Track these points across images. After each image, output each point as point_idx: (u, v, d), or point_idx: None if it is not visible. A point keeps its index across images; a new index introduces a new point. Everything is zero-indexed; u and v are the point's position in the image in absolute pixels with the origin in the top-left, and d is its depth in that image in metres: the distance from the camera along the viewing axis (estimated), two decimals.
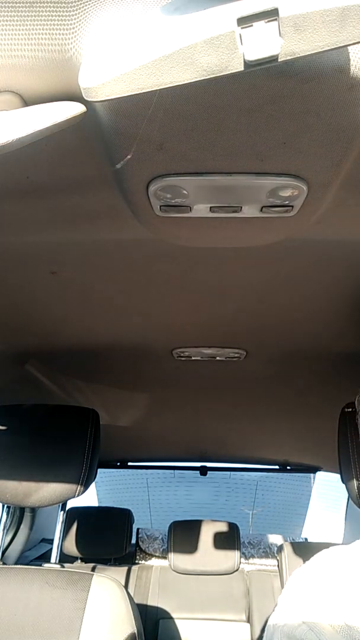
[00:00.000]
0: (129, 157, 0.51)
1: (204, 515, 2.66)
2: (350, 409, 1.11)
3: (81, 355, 1.26)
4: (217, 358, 1.23)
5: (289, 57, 0.35)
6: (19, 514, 2.29)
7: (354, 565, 0.72)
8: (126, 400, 1.69)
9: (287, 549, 2.15)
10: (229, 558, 2.39)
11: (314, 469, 2.70)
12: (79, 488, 1.25)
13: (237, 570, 2.41)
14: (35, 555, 2.55)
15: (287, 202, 0.58)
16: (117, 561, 2.61)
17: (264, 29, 0.34)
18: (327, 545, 0.82)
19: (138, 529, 2.87)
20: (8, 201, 0.62)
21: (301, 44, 0.35)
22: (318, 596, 0.68)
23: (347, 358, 1.18)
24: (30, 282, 0.87)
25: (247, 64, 0.35)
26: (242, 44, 0.35)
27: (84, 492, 1.27)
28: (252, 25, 0.34)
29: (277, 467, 2.75)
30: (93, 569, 2.37)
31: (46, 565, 1.26)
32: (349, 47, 0.40)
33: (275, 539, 2.96)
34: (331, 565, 0.74)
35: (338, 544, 0.83)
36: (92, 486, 1.90)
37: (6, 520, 2.16)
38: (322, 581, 0.71)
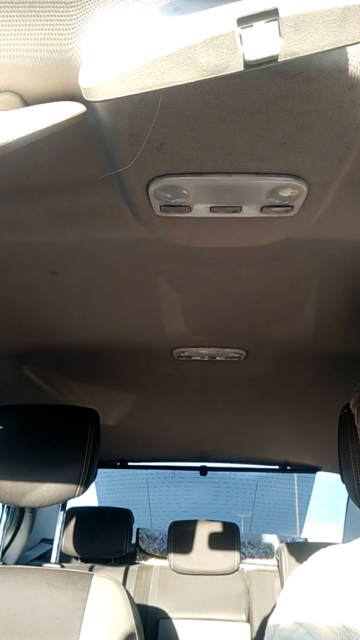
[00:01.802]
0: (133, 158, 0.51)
1: (204, 515, 2.66)
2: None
3: (81, 355, 1.26)
4: (217, 358, 1.23)
5: (289, 57, 0.35)
6: (18, 514, 2.29)
7: (351, 565, 0.72)
8: (126, 400, 1.69)
9: (287, 549, 2.15)
10: (229, 558, 2.39)
11: (314, 469, 2.70)
12: (78, 488, 1.25)
13: (236, 570, 2.41)
14: (35, 555, 2.54)
15: (287, 202, 0.58)
16: (117, 561, 2.61)
17: (264, 29, 0.34)
18: (326, 545, 0.82)
19: (138, 529, 2.87)
20: (8, 201, 0.62)
21: (301, 44, 0.35)
22: (315, 597, 0.68)
23: (347, 358, 1.18)
24: (30, 282, 0.87)
25: (247, 64, 0.35)
26: (242, 44, 0.35)
27: (84, 492, 1.27)
28: (252, 26, 0.35)
29: (277, 467, 2.75)
30: (90, 569, 2.37)
31: (46, 565, 1.26)
32: (349, 47, 0.40)
33: (271, 540, 2.95)
34: (328, 565, 0.74)
35: (337, 544, 0.83)
36: (92, 486, 1.91)
37: (6, 520, 2.16)
38: (319, 582, 0.71)
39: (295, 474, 3.57)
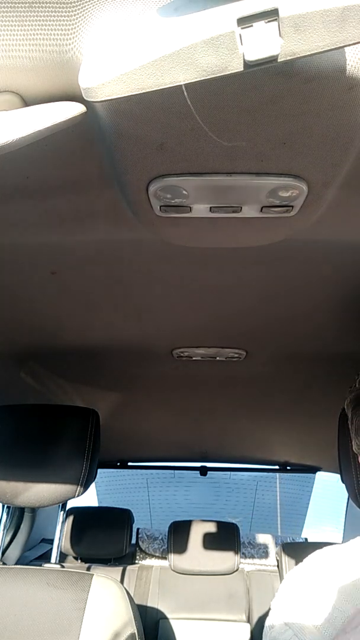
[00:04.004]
0: (128, 158, 0.51)
1: (204, 516, 2.66)
2: None
3: (81, 355, 1.26)
4: (217, 358, 1.23)
5: (288, 58, 0.35)
6: (18, 514, 2.29)
7: (346, 565, 0.72)
8: (126, 401, 1.69)
9: (287, 549, 2.15)
10: (229, 558, 2.39)
11: (314, 469, 2.70)
12: (78, 488, 1.25)
13: (237, 570, 2.41)
14: (35, 555, 2.54)
15: (287, 202, 0.58)
16: (117, 561, 2.61)
17: (264, 29, 0.34)
18: (326, 545, 0.82)
19: (138, 529, 2.87)
20: (8, 201, 0.62)
21: (301, 44, 0.35)
22: (307, 598, 0.69)
23: (347, 358, 1.18)
24: (30, 282, 0.87)
25: (247, 64, 0.35)
26: (242, 44, 0.35)
27: (83, 492, 1.27)
28: (252, 26, 0.35)
29: (277, 467, 2.75)
30: (88, 569, 2.37)
31: (46, 565, 1.26)
32: (348, 47, 0.40)
33: (268, 541, 2.95)
34: (323, 565, 0.74)
35: (336, 544, 0.83)
36: (92, 486, 1.91)
37: (6, 520, 2.16)
38: (312, 582, 0.71)
39: (278, 474, 3.57)
